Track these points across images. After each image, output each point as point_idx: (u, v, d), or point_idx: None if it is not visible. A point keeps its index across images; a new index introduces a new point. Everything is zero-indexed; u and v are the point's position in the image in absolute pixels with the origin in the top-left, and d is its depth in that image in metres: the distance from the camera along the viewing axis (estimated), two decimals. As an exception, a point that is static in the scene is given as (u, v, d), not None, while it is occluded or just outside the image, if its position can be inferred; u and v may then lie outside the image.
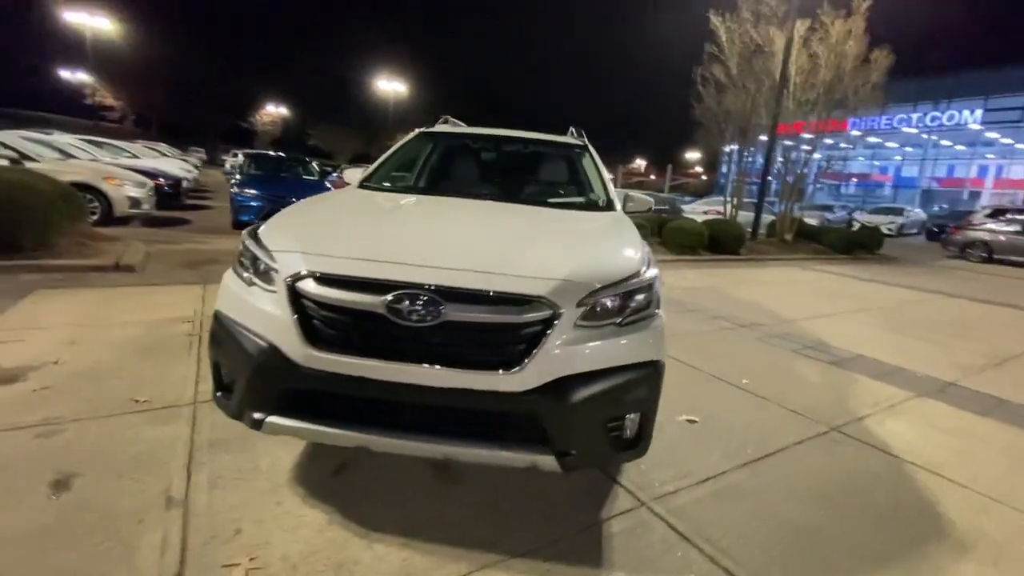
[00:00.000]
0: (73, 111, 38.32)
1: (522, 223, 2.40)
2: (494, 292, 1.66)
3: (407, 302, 1.61)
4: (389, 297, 1.62)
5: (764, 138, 13.41)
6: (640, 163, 66.87)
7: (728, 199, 14.24)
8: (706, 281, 8.16)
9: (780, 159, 14.34)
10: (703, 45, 12.95)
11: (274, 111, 55.61)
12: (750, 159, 15.13)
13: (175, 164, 14.97)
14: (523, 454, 1.69)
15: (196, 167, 20.42)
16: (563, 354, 1.68)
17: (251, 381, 1.74)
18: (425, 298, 1.62)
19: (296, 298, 1.71)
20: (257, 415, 1.74)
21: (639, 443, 1.89)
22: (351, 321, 1.67)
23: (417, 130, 3.70)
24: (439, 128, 3.77)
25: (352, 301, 1.65)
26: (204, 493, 1.94)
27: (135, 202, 8.53)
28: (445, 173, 3.56)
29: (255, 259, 1.86)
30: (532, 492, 2.12)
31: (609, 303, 1.80)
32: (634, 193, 3.37)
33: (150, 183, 9.18)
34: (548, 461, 1.69)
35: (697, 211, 16.15)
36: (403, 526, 1.85)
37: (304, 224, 2.10)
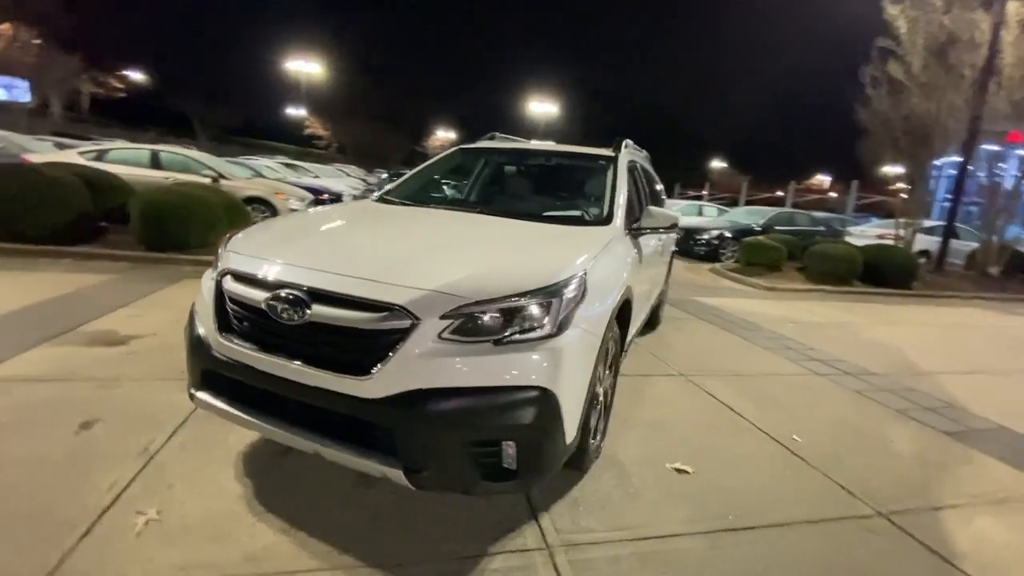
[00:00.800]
0: (294, 140, 47.96)
1: (465, 235, 2.36)
2: (355, 297, 1.69)
3: (281, 300, 1.73)
4: (269, 294, 1.76)
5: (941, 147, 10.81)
6: (822, 179, 58.82)
7: (901, 222, 11.75)
8: (837, 316, 6.89)
9: (986, 172, 11.43)
10: (872, 42, 11.00)
11: (443, 136, 61.84)
12: (940, 173, 12.33)
13: (345, 182, 17.63)
14: (375, 463, 1.68)
15: (366, 184, 23.80)
16: (419, 366, 1.64)
17: (188, 359, 2.04)
18: (293, 297, 1.72)
19: (219, 290, 1.95)
20: (191, 389, 2.02)
21: (520, 475, 1.73)
22: (244, 314, 1.86)
23: (456, 147, 3.86)
24: (479, 144, 3.88)
25: (245, 296, 1.83)
26: (171, 452, 2.30)
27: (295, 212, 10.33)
28: (457, 187, 3.66)
29: (217, 257, 2.17)
30: (438, 509, 2.06)
31: (488, 319, 1.70)
32: (655, 208, 3.06)
33: (309, 196, 10.99)
34: (398, 475, 1.65)
35: (867, 234, 13.62)
36: (297, 516, 1.95)
37: (266, 230, 2.36)
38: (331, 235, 2.35)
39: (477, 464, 1.69)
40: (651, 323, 5.00)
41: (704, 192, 46.63)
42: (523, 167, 3.64)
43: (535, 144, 3.78)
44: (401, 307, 1.65)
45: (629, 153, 3.72)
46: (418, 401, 1.62)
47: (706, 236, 11.99)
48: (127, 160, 9.25)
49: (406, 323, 1.64)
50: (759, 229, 12.16)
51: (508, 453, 1.69)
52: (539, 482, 1.92)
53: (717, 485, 2.43)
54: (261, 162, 13.59)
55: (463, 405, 1.64)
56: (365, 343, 1.68)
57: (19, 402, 2.60)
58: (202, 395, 1.98)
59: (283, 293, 1.74)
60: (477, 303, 1.69)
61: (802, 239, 11.09)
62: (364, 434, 1.71)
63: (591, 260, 2.12)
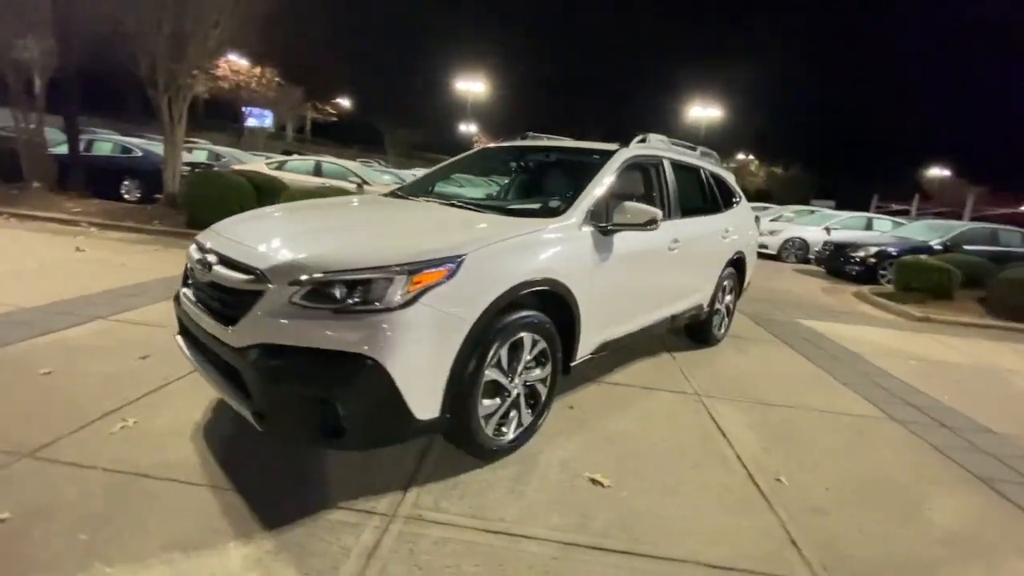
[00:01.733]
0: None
1: (384, 220, 2.60)
2: (237, 261, 2.01)
3: (197, 262, 2.15)
4: (198, 257, 2.19)
5: None
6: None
7: None
8: (996, 359, 5.34)
9: None
10: None
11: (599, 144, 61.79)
12: None
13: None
14: (242, 406, 1.97)
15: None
16: (266, 324, 1.89)
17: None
18: (204, 259, 2.11)
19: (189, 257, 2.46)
20: (175, 335, 2.58)
21: (350, 436, 1.87)
22: (189, 271, 2.33)
23: (480, 147, 4.07)
24: (500, 144, 4.02)
25: (191, 257, 2.30)
26: (180, 386, 2.91)
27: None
28: (456, 182, 3.80)
29: None
30: (335, 466, 2.26)
31: (331, 289, 1.87)
32: (630, 204, 2.84)
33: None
34: (250, 418, 1.92)
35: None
36: (221, 447, 2.34)
37: (246, 215, 2.83)
38: (282, 219, 2.73)
39: (310, 419, 1.88)
40: (700, 338, 4.53)
41: (911, 207, 38.69)
42: (526, 163, 3.66)
43: (546, 141, 3.77)
44: (260, 272, 1.92)
45: (644, 148, 3.51)
46: (262, 354, 1.87)
47: (861, 253, 10.10)
48: (297, 169, 11.36)
49: (261, 286, 1.91)
50: (938, 248, 9.82)
51: (337, 413, 1.84)
52: (376, 446, 2.05)
53: (627, 505, 2.21)
54: (409, 171, 15.55)
55: (295, 363, 1.84)
56: (236, 300, 1.99)
57: (121, 337, 3.52)
58: (178, 339, 2.50)
59: (202, 256, 2.15)
60: (323, 274, 1.87)
61: (1001, 263, 8.67)
62: (238, 379, 2.02)
63: (480, 247, 2.14)
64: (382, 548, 1.81)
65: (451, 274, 2.00)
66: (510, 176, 4.18)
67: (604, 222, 2.78)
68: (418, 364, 1.93)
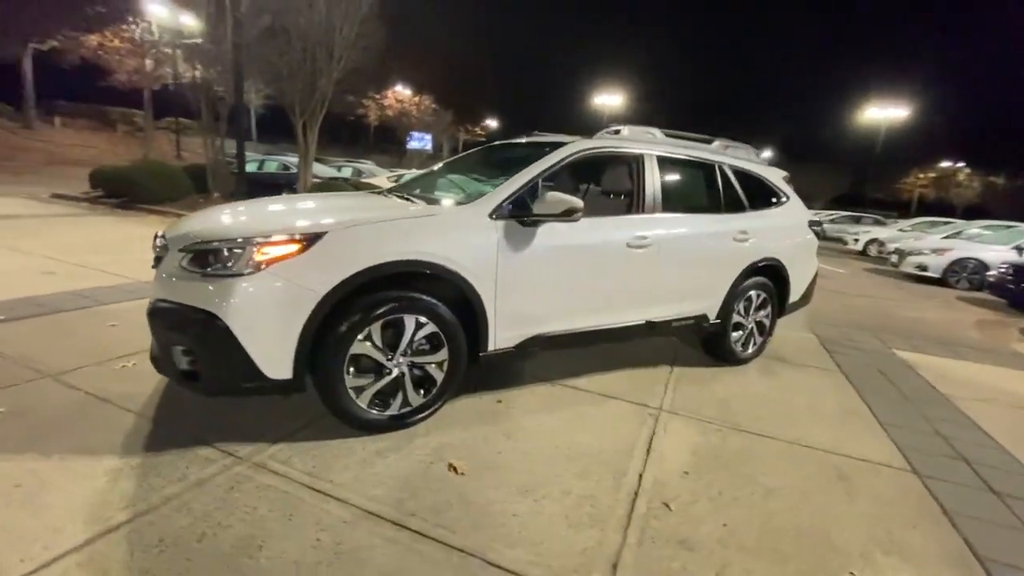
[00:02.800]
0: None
1: (312, 207, 2.91)
2: (166, 234, 2.49)
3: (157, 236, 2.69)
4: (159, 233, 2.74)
5: None
6: None
7: None
8: None
9: None
10: None
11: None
12: None
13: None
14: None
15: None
16: (162, 282, 2.32)
17: None
18: (161, 234, 2.63)
19: None
20: None
21: (201, 381, 2.20)
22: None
23: (484, 145, 4.23)
24: (498, 143, 4.13)
25: None
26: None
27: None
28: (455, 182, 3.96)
29: None
30: (236, 410, 2.62)
31: (204, 255, 2.23)
32: (552, 194, 2.73)
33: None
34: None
35: None
36: (179, 392, 2.87)
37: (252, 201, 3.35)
38: (231, 207, 3.10)
39: (177, 363, 2.24)
40: (718, 354, 4.03)
41: None
42: (504, 159, 3.69)
43: (539, 137, 3.79)
44: (166, 240, 2.37)
45: (605, 141, 3.35)
46: (156, 306, 2.29)
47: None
48: (411, 181, 12.66)
49: (165, 252, 2.35)
50: None
51: (194, 360, 2.18)
52: (226, 393, 2.36)
53: (465, 494, 2.16)
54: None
55: (171, 315, 2.23)
56: (156, 263, 2.46)
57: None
58: None
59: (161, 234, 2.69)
60: (196, 243, 2.24)
61: None
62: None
63: (347, 227, 2.33)
64: (211, 483, 2.08)
65: (305, 249, 2.22)
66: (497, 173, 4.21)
67: (523, 214, 2.74)
68: (263, 326, 2.17)
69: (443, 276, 2.53)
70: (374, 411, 2.51)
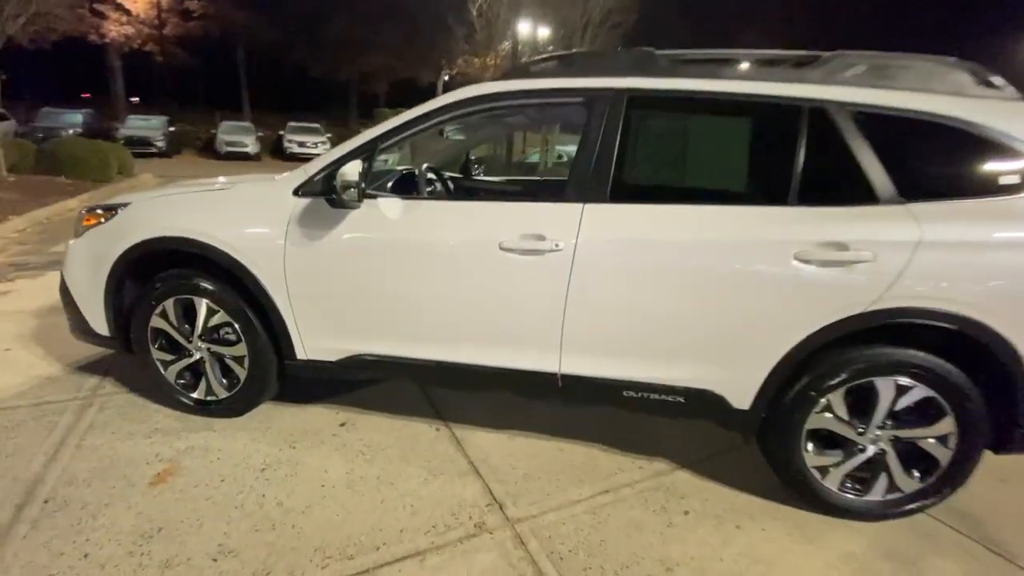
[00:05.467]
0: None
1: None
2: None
3: None
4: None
5: None
6: None
7: None
8: None
9: None
10: None
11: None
12: None
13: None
14: None
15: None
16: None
17: None
18: None
19: None
20: None
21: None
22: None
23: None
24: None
25: None
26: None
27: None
28: None
29: None
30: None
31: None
32: (351, 164, 1.91)
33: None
34: None
35: None
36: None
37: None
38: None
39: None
40: (789, 484, 2.14)
41: None
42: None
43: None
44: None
45: (525, 81, 2.18)
46: None
47: None
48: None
49: None
50: None
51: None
52: (78, 338, 2.53)
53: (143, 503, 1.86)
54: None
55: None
56: None
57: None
58: None
59: None
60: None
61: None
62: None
63: (146, 199, 2.37)
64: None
65: (108, 219, 2.33)
66: None
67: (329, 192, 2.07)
68: (81, 286, 2.38)
69: (218, 260, 2.19)
70: (181, 390, 2.43)
